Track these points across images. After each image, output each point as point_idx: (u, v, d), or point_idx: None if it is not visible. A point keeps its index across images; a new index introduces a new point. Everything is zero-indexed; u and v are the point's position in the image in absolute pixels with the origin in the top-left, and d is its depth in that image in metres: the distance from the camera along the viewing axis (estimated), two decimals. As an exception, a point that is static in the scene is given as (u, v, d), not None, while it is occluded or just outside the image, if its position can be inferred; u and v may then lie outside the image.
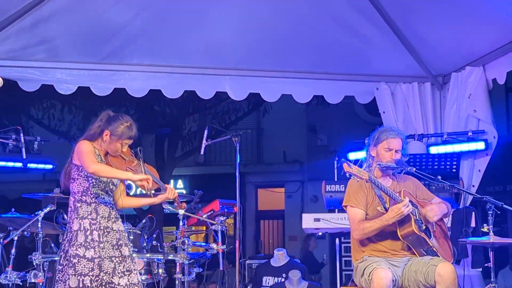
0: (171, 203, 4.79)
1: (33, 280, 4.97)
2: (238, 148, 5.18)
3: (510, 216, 11.66)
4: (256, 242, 15.71)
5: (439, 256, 4.12)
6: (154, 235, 5.59)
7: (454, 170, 5.68)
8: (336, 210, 5.66)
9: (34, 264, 5.02)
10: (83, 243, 3.93)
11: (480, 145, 5.90)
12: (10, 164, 6.16)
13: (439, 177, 4.30)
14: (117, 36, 5.93)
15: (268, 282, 7.05)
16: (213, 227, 5.43)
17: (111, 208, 4.11)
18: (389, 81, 6.62)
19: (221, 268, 5.44)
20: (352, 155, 6.22)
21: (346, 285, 5.52)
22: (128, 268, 4.01)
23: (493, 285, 4.00)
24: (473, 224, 5.26)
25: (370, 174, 4.05)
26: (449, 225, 4.98)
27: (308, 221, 5.69)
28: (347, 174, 3.98)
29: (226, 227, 5.44)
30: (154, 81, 6.45)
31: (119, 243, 4.04)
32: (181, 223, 5.13)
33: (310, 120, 15.43)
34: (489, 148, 5.93)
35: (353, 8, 5.69)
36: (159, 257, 5.26)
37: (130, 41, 6.05)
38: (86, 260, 3.90)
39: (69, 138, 12.05)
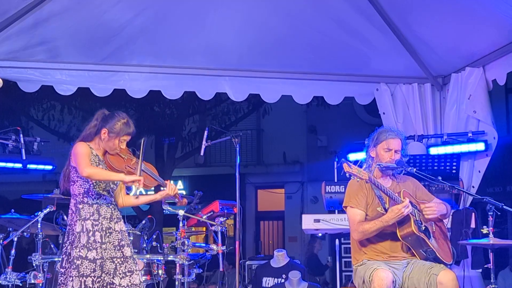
0: (171, 203, 4.78)
1: (32, 281, 4.97)
2: (238, 149, 5.17)
3: (510, 217, 11.68)
4: (256, 243, 15.71)
5: (438, 257, 4.12)
6: (154, 236, 5.59)
7: (454, 171, 5.66)
8: (336, 211, 5.65)
9: (34, 265, 5.02)
10: (85, 244, 3.93)
11: (480, 146, 5.89)
12: (10, 165, 6.14)
13: (439, 178, 4.30)
14: (117, 37, 5.93)
15: (268, 283, 7.03)
16: (213, 228, 5.42)
17: (113, 209, 4.11)
18: (389, 82, 6.61)
19: (221, 269, 5.42)
20: (352, 156, 6.21)
21: (346, 285, 5.52)
22: (129, 269, 4.01)
23: (493, 286, 3.99)
24: (473, 225, 5.26)
25: (370, 174, 4.05)
26: (449, 226, 4.98)
27: (308, 222, 5.68)
28: (347, 174, 3.98)
29: (226, 228, 5.43)
30: (154, 82, 6.45)
31: (121, 244, 4.04)
32: (181, 224, 5.11)
33: (310, 121, 15.43)
34: (489, 149, 5.92)
35: (353, 9, 5.69)
36: (159, 258, 5.26)
37: (130, 42, 6.04)
38: (88, 261, 3.90)
39: (68, 139, 12.03)
